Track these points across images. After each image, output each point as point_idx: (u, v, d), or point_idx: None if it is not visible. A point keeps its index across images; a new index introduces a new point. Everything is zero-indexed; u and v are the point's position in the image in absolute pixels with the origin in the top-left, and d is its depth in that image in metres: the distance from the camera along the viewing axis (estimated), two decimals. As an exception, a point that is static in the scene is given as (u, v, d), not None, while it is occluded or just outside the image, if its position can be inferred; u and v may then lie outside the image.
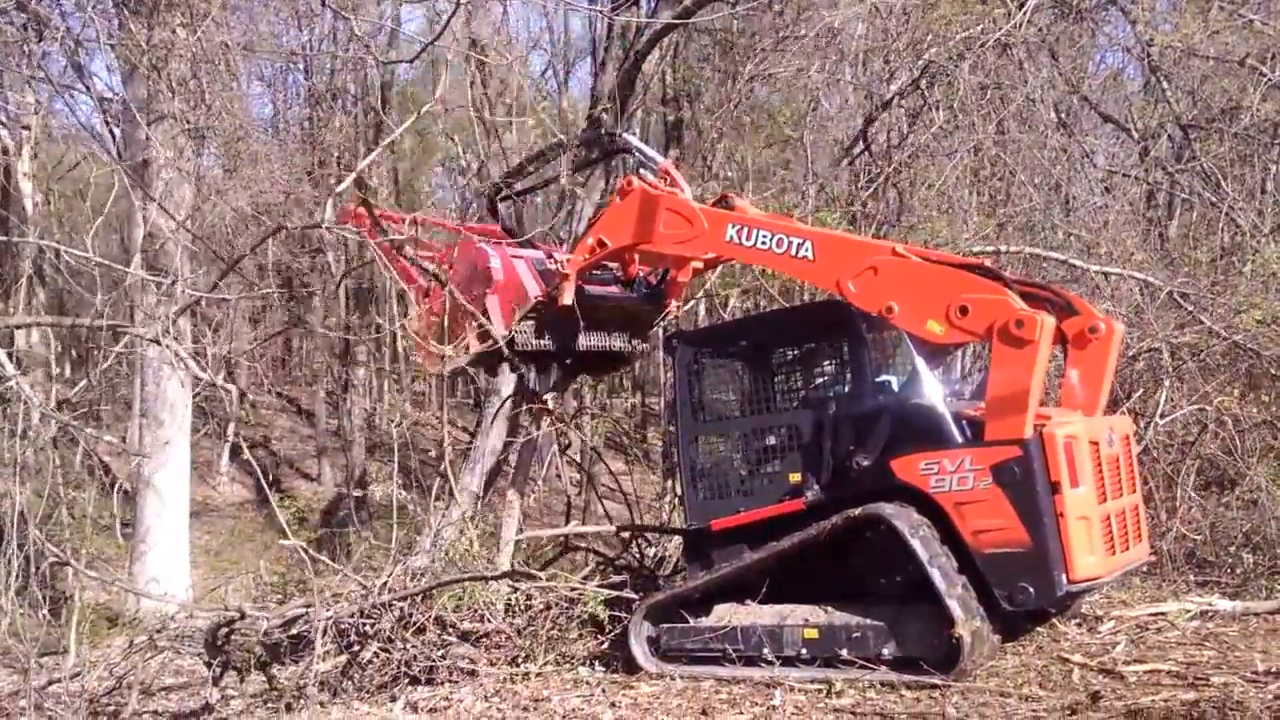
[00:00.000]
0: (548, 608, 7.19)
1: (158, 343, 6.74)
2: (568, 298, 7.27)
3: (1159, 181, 14.93)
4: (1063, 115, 13.98)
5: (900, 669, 5.88)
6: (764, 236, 6.51)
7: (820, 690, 5.90)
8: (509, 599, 7.26)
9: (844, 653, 6.04)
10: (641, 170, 7.51)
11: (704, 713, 5.74)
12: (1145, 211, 15.25)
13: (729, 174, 17.34)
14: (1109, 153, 17.07)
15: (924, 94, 12.84)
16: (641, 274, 7.83)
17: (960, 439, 6.03)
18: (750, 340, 7.21)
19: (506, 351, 7.50)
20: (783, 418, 6.72)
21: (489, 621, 7.19)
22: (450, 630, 7.24)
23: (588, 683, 6.60)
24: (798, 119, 13.29)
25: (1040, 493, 5.74)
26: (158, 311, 6.51)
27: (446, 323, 7.56)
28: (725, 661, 6.39)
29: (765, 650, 6.28)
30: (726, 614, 6.56)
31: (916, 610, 5.94)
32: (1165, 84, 14.78)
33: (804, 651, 6.20)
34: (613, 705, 6.04)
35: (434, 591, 7.27)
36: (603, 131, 8.73)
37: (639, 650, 6.67)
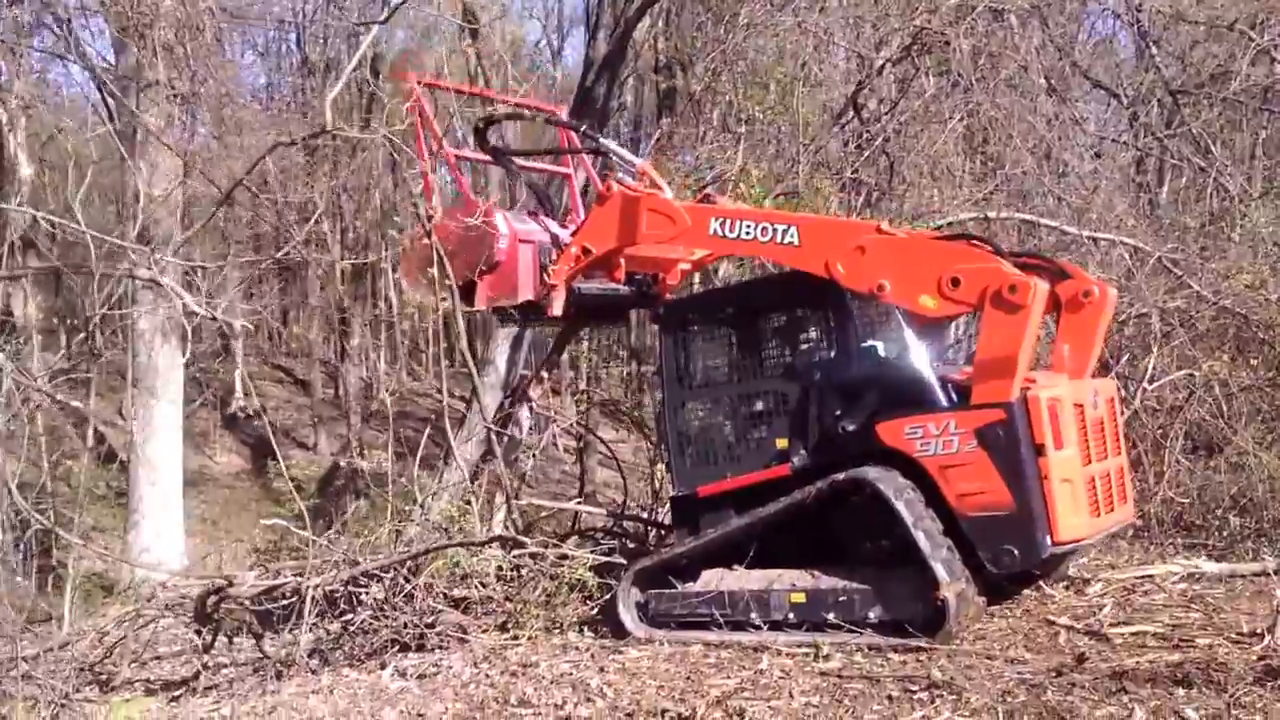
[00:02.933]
0: (537, 574, 7.20)
1: (156, 283, 6.68)
2: (557, 308, 7.25)
3: (1149, 147, 14.88)
4: (1052, 82, 13.90)
5: (886, 632, 5.92)
6: (748, 227, 6.51)
7: (807, 654, 5.92)
8: (498, 565, 7.27)
9: (830, 617, 6.08)
10: (619, 173, 7.45)
11: (691, 677, 5.76)
12: (1135, 178, 15.22)
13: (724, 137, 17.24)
14: (1099, 119, 17.01)
15: (914, 61, 12.75)
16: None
17: (945, 403, 6.05)
18: (737, 307, 7.20)
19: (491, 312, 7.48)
20: (769, 384, 6.73)
21: (478, 588, 7.22)
22: (440, 597, 7.27)
23: (577, 648, 6.63)
24: (789, 82, 13.15)
25: (1024, 455, 5.77)
26: (152, 258, 6.44)
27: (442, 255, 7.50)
28: (713, 626, 6.43)
29: (752, 615, 6.32)
30: (714, 579, 6.59)
31: (902, 574, 5.97)
32: (1154, 49, 14.71)
33: (791, 616, 6.24)
34: (601, 670, 6.07)
35: (423, 558, 7.29)
36: (584, 131, 8.72)
37: (627, 616, 6.71)
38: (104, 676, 8.21)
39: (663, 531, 8.25)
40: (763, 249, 6.54)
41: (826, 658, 5.83)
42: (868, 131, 12.43)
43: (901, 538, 5.88)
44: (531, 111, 8.83)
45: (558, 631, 7.03)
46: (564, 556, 7.26)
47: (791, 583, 6.29)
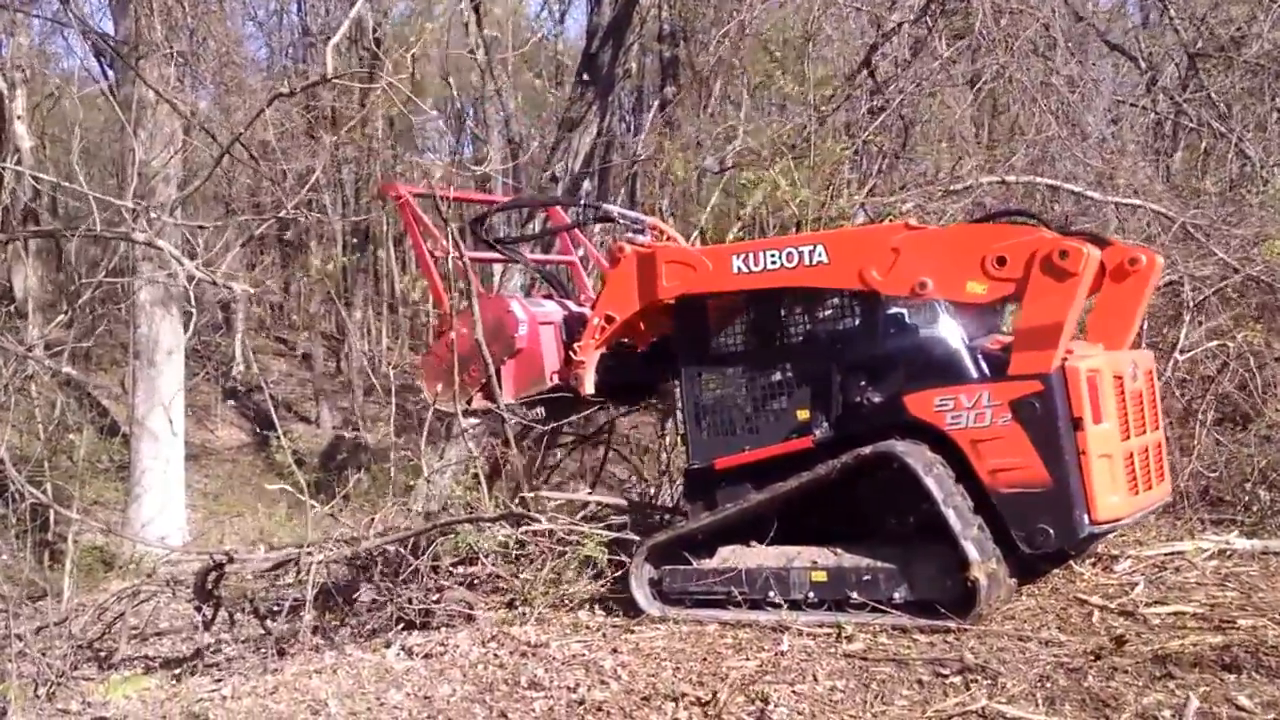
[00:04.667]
0: (546, 551, 6.97)
1: (152, 245, 6.45)
2: (589, 385, 6.99)
3: (1167, 111, 14.54)
4: (1070, 45, 13.56)
5: (912, 612, 5.67)
6: (772, 256, 6.24)
7: (829, 634, 5.68)
8: (506, 541, 7.04)
9: (854, 595, 5.81)
10: (629, 235, 7.18)
11: (709, 658, 5.53)
12: (1152, 143, 14.89)
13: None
14: (1115, 83, 16.68)
15: (929, 22, 12.41)
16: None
17: (977, 374, 5.76)
18: None
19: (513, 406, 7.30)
20: (790, 353, 6.42)
21: (486, 565, 7.00)
22: (447, 574, 7.06)
23: (588, 627, 6.39)
24: (800, 43, 12.87)
25: (1062, 429, 5.49)
26: (146, 217, 6.20)
27: (461, 364, 7.33)
28: (730, 605, 6.18)
29: (772, 593, 6.05)
30: (731, 556, 6.32)
31: (929, 551, 5.71)
32: (1171, 11, 14.36)
33: (812, 595, 5.97)
34: (614, 650, 5.83)
35: (429, 534, 7.07)
36: (583, 204, 8.49)
37: (641, 594, 6.44)
38: (103, 653, 8.04)
39: (667, 515, 7.96)
40: (792, 275, 6.21)
41: (850, 639, 5.57)
42: (882, 94, 12.10)
43: (929, 514, 5.62)
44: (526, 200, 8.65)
45: (567, 609, 6.80)
46: (573, 532, 7.03)
47: (812, 560, 6.02)
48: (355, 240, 28.70)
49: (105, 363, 25.05)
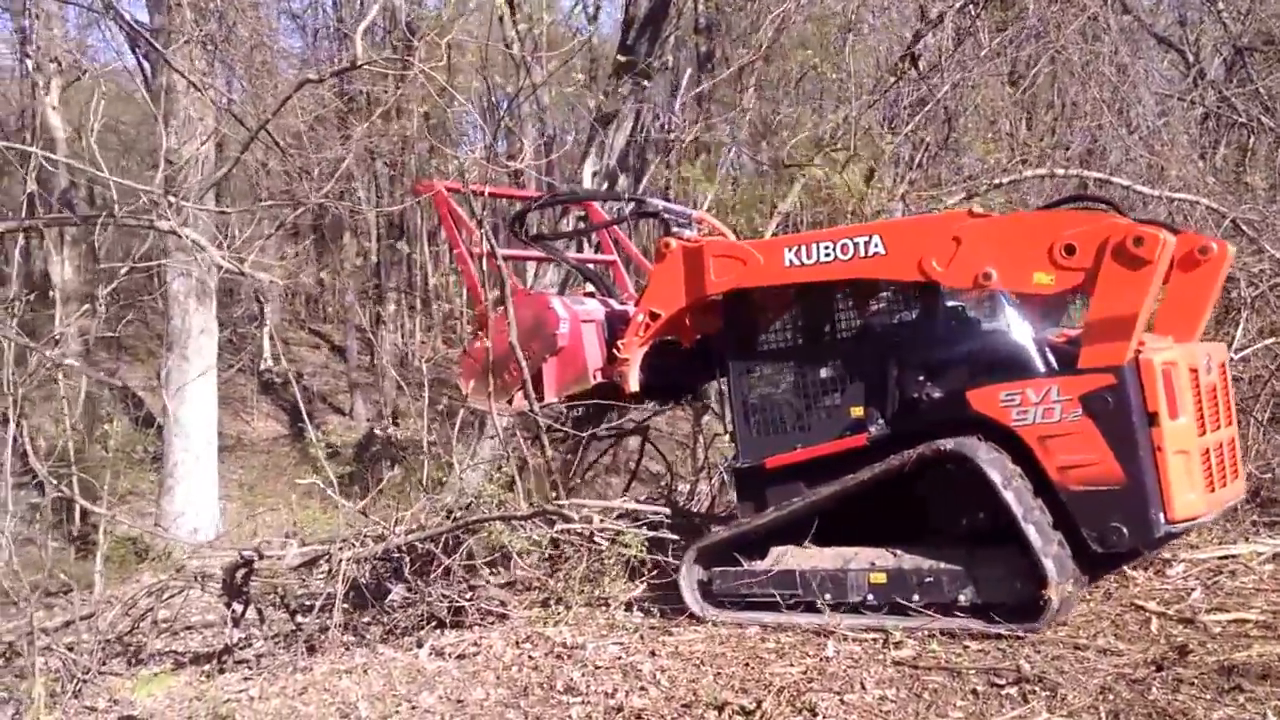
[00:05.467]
0: (582, 550, 6.80)
1: (175, 233, 6.34)
2: (633, 383, 6.80)
3: (1215, 105, 14.16)
4: (1118, 34, 13.23)
5: (975, 616, 5.42)
6: (826, 248, 5.97)
7: (877, 640, 5.46)
8: (540, 540, 6.87)
9: (915, 599, 5.56)
10: (675, 229, 6.94)
11: (751, 663, 5.33)
12: (1199, 137, 14.52)
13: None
14: (1163, 76, 16.31)
15: (973, 10, 12.13)
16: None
17: (1045, 367, 5.49)
18: None
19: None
20: (844, 347, 6.16)
21: (519, 563, 6.84)
22: (479, 573, 6.90)
23: (625, 628, 6.21)
24: (842, 34, 12.62)
25: (1136, 424, 5.21)
26: (165, 200, 6.07)
27: (501, 363, 7.17)
28: (784, 608, 5.93)
29: (827, 596, 5.80)
30: (783, 557, 6.07)
31: (996, 553, 5.45)
32: (1220, 3, 13.99)
33: (870, 598, 5.71)
34: (653, 654, 5.64)
35: (460, 532, 6.92)
36: (625, 197, 8.27)
37: (690, 595, 6.21)
38: (132, 648, 7.95)
39: (701, 519, 7.73)
40: (847, 268, 5.94)
41: (899, 644, 5.34)
42: (925, 84, 11.83)
43: (996, 518, 5.36)
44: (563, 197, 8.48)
45: (603, 608, 6.62)
46: (607, 531, 6.85)
47: (870, 561, 5.75)
48: (389, 233, 28.69)
49: (142, 354, 25.22)
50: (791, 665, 5.24)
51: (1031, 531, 5.24)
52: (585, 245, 9.34)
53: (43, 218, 8.24)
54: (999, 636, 5.25)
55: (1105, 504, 5.28)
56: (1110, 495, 5.27)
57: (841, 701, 4.66)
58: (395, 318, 29.08)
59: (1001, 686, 4.63)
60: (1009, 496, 5.30)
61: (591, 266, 8.48)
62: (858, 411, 5.98)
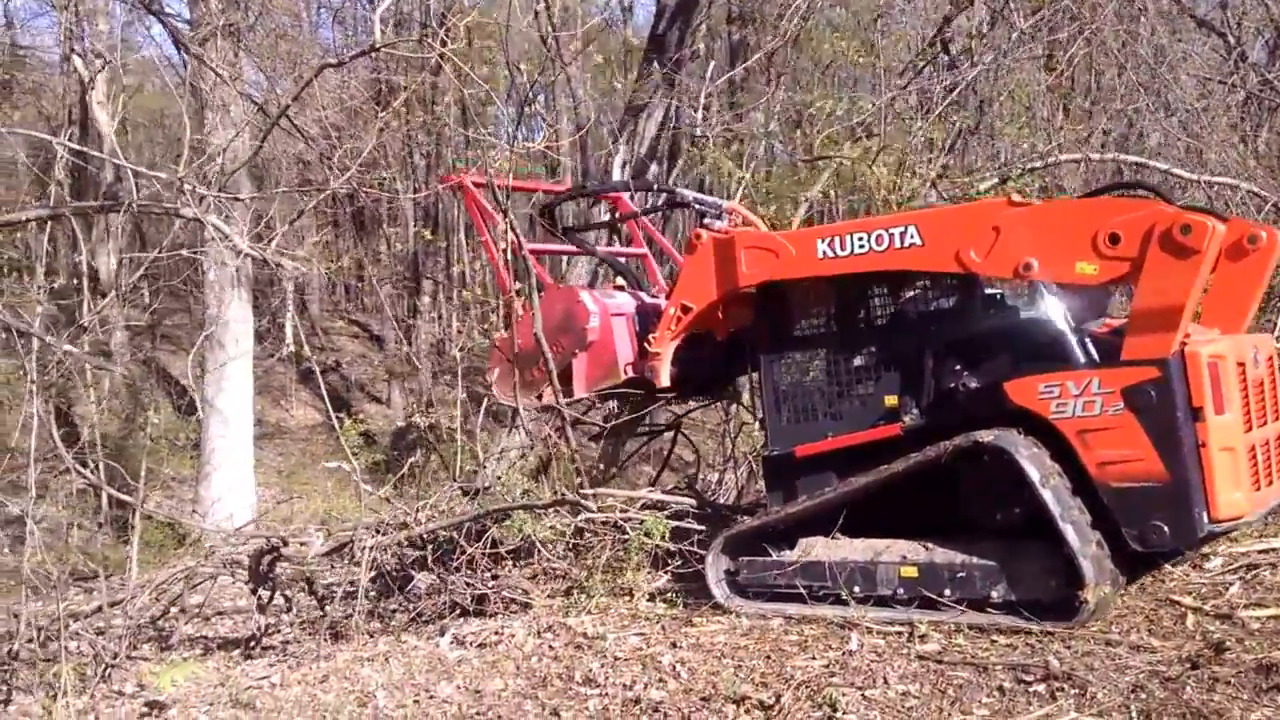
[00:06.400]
0: (605, 539, 6.74)
1: (199, 220, 6.35)
2: (664, 377, 6.65)
3: (1257, 88, 13.79)
4: (1157, 16, 12.91)
5: (1008, 613, 5.27)
6: (860, 239, 5.80)
7: (901, 633, 5.34)
8: (563, 530, 6.82)
9: (947, 594, 5.42)
10: (706, 221, 6.83)
11: (772, 656, 5.24)
12: (1240, 121, 14.16)
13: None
14: (1202, 59, 15.94)
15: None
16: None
17: (1086, 359, 5.31)
18: None
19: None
20: (878, 335, 6.01)
21: (542, 552, 6.79)
22: (501, 562, 6.87)
23: (647, 618, 6.14)
24: (872, 18, 12.42)
25: (1180, 419, 5.02)
26: (181, 184, 6.07)
27: (530, 357, 7.06)
28: (811, 600, 5.81)
29: (856, 589, 5.67)
30: (812, 548, 5.94)
31: (1031, 548, 5.29)
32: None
33: (901, 591, 5.57)
34: (673, 645, 5.57)
35: (485, 520, 6.88)
36: (655, 187, 8.14)
37: (716, 586, 6.11)
38: (164, 632, 8.01)
39: (727, 510, 7.63)
40: (882, 259, 5.77)
41: (924, 638, 5.22)
42: (957, 68, 11.61)
43: (1032, 511, 5.21)
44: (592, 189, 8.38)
45: (625, 598, 6.55)
46: (630, 520, 6.78)
47: (902, 555, 5.62)
48: (426, 224, 28.76)
49: (185, 343, 25.52)
50: (814, 659, 5.14)
51: (1070, 531, 5.08)
52: (616, 239, 9.25)
53: (69, 205, 8.27)
54: (1028, 631, 5.12)
55: (1146, 502, 5.10)
56: (1152, 493, 5.09)
57: (863, 696, 4.55)
58: (432, 307, 29.19)
59: (1029, 683, 4.50)
60: (1047, 495, 5.14)
61: (622, 260, 8.40)
62: (892, 400, 5.83)
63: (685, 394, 7.73)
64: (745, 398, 8.40)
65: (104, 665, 6.64)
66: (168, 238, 8.25)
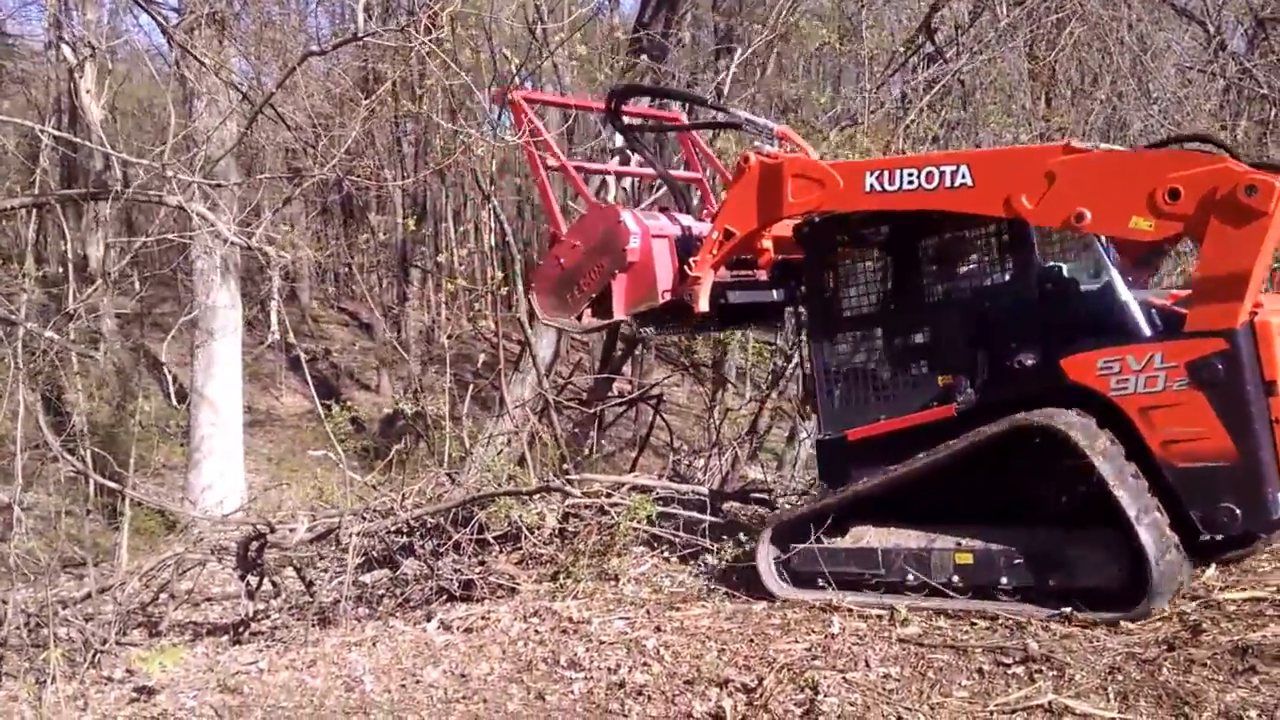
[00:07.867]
0: (591, 524, 6.78)
1: (183, 208, 6.34)
2: (703, 303, 6.48)
3: (1236, 77, 13.84)
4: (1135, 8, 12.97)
5: (1085, 605, 5.06)
6: (910, 175, 5.56)
7: (882, 617, 5.39)
8: (549, 515, 6.86)
9: (1004, 581, 5.26)
10: (755, 144, 6.66)
11: (755, 639, 5.29)
12: (1220, 109, 14.23)
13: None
14: (1183, 49, 16.01)
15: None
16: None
17: (1148, 332, 5.13)
18: (894, 224, 6.13)
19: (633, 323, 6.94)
20: (931, 312, 5.87)
21: (529, 537, 6.83)
22: (488, 548, 6.91)
23: (632, 603, 6.19)
24: (857, 9, 12.41)
25: (1250, 394, 4.77)
26: (163, 173, 6.04)
27: (570, 277, 6.92)
28: (864, 587, 5.68)
29: (910, 576, 5.53)
30: (864, 535, 5.82)
31: (1093, 535, 5.11)
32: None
33: (956, 579, 5.41)
34: (658, 629, 5.62)
35: (471, 506, 6.92)
36: (709, 103, 8.08)
37: (767, 573, 5.96)
38: (154, 618, 8.02)
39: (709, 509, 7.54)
40: (930, 198, 5.54)
41: (905, 622, 5.27)
42: (942, 57, 11.63)
43: (1089, 494, 5.04)
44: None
45: (612, 584, 6.60)
46: (616, 505, 6.82)
47: (956, 541, 5.45)
48: (413, 212, 28.67)
49: (176, 330, 25.41)
50: (796, 642, 5.19)
51: (1125, 497, 4.83)
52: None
53: (55, 193, 8.25)
54: (1004, 617, 5.09)
55: (1215, 482, 4.86)
56: (1221, 473, 4.84)
57: (844, 679, 4.60)
58: (420, 295, 29.13)
59: (1008, 665, 4.55)
60: (1098, 462, 4.91)
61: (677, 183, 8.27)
62: (945, 380, 5.68)
63: (724, 323, 7.57)
64: (734, 382, 8.43)
65: (93, 651, 6.65)
66: (155, 225, 8.21)
